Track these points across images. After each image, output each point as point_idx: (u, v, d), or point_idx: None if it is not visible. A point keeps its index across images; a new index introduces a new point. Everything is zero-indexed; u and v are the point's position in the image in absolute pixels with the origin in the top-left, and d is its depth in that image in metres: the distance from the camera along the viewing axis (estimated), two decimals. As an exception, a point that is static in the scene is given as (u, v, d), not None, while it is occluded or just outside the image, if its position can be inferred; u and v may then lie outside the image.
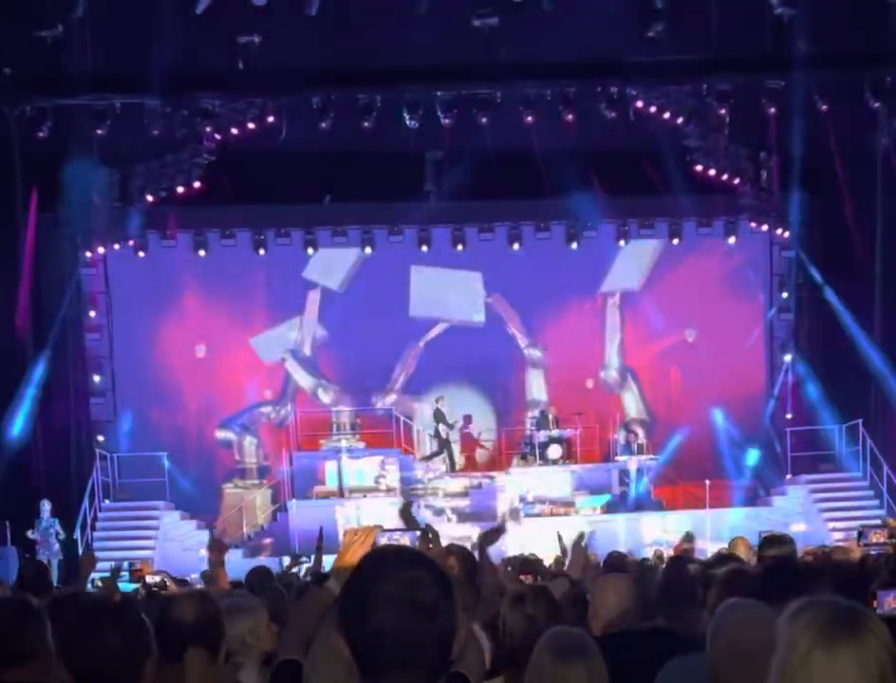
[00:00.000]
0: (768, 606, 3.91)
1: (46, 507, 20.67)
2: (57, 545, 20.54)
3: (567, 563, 9.06)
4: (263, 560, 19.83)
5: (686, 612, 5.46)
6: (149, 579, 8.27)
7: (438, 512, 23.56)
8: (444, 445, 24.69)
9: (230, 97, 20.98)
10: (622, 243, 25.49)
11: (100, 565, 17.96)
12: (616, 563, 8.83)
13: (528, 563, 9.31)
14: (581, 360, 25.61)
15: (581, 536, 7.77)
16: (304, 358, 26.11)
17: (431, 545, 4.08)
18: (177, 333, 25.23)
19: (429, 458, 24.76)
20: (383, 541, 4.04)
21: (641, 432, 24.50)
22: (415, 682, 2.41)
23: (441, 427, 24.52)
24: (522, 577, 8.17)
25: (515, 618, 5.05)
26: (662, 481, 23.70)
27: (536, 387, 26.06)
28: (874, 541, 6.31)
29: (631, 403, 26.18)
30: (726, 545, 11.02)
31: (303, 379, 26.19)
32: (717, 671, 3.96)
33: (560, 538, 11.98)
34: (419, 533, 4.00)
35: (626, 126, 21.34)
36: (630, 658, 4.78)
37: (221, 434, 25.36)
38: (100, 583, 10.01)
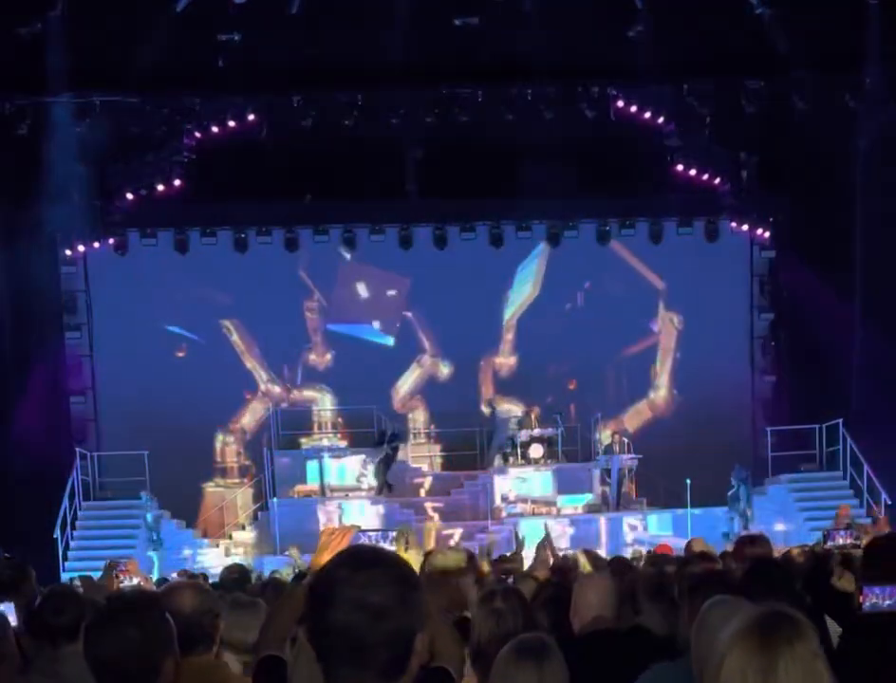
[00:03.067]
0: (751, 604, 3.94)
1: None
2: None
3: (532, 563, 9.05)
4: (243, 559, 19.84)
5: (665, 611, 5.48)
6: (126, 583, 8.21)
7: (420, 510, 23.57)
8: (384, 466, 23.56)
9: (210, 95, 20.96)
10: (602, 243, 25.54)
11: (83, 565, 18.03)
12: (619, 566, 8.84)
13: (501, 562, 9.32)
14: (562, 359, 25.60)
15: (546, 536, 7.77)
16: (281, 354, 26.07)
17: (408, 547, 4.09)
18: (157, 332, 25.16)
19: (378, 492, 23.48)
20: (363, 541, 4.05)
21: (623, 431, 24.49)
22: (365, 680, 2.48)
23: (381, 448, 23.44)
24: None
25: (484, 615, 5.07)
26: (643, 480, 23.70)
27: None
28: (840, 542, 6.32)
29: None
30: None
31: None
32: (700, 668, 3.99)
33: (519, 537, 11.89)
34: (394, 533, 4.01)
35: (607, 126, 21.40)
36: (611, 657, 4.80)
37: (202, 433, 25.27)
38: (78, 582, 9.93)
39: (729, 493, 22.36)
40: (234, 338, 25.72)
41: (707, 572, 5.58)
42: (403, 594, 2.50)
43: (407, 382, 26.20)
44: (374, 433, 24.08)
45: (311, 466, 23.79)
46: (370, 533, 4.08)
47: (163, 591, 4.89)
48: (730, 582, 5.21)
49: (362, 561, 2.54)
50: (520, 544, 8.41)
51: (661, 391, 26.49)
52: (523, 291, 26.11)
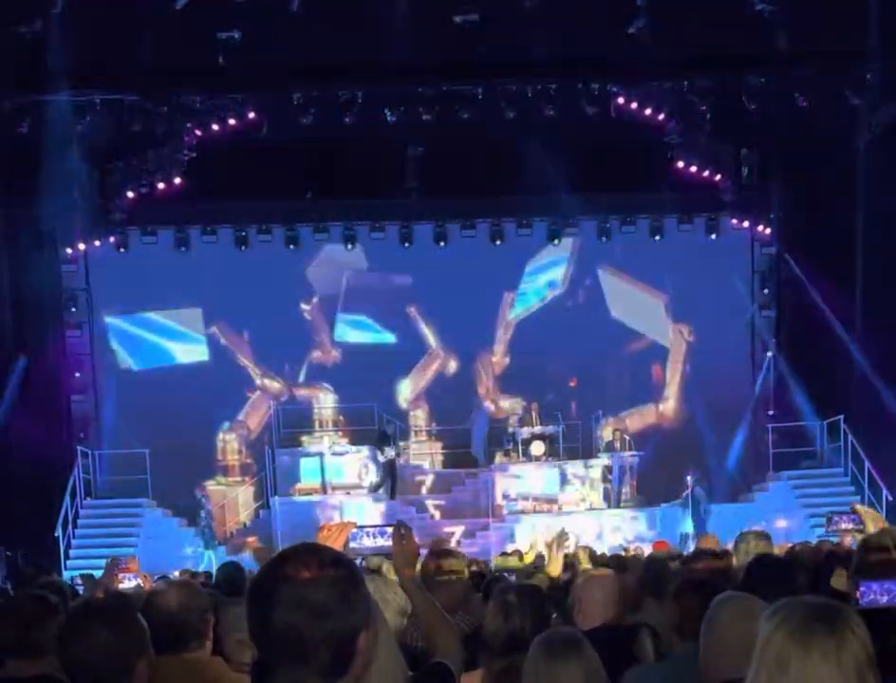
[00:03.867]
0: (760, 600, 3.94)
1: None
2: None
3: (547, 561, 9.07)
4: (245, 558, 19.82)
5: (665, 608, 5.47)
6: (125, 583, 8.18)
7: (421, 508, 23.58)
8: (389, 470, 23.50)
9: (210, 93, 20.95)
10: (604, 239, 25.55)
11: (83, 563, 18.06)
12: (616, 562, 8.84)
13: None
14: (563, 356, 25.60)
15: (562, 535, 7.78)
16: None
17: (404, 541, 4.07)
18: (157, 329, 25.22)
19: (375, 489, 23.55)
20: (361, 537, 4.04)
21: (625, 428, 24.49)
22: (306, 678, 2.46)
23: (386, 450, 23.36)
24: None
25: (495, 609, 5.06)
26: (645, 477, 23.69)
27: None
28: (843, 527, 6.29)
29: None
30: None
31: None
32: (707, 663, 3.99)
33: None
34: (390, 530, 4.00)
35: (608, 123, 21.38)
36: (616, 654, 4.79)
37: (203, 431, 25.27)
38: (79, 580, 9.95)
39: (684, 494, 22.29)
40: (223, 341, 25.70)
41: (692, 576, 5.57)
42: (346, 592, 2.48)
43: (417, 380, 26.20)
44: (374, 432, 24.04)
45: (312, 464, 23.79)
46: (367, 529, 4.06)
47: (151, 591, 4.89)
48: (718, 583, 5.21)
49: (303, 559, 2.50)
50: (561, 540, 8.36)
51: (669, 402, 26.47)
52: (539, 294, 26.18)
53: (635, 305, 26.01)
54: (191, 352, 25.65)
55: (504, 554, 14.31)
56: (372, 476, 23.78)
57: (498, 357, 26.34)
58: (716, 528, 21.06)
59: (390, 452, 23.32)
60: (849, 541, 8.04)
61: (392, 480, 23.42)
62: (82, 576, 9.97)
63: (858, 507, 6.64)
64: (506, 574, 8.36)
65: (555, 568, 8.07)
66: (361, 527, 4.01)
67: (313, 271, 25.63)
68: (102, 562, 15.31)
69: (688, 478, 22.23)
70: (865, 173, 20.85)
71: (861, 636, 2.75)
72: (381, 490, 23.45)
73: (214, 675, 4.46)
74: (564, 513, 22.53)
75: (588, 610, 5.41)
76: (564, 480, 23.43)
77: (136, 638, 3.75)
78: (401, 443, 24.39)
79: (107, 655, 3.65)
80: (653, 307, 26.11)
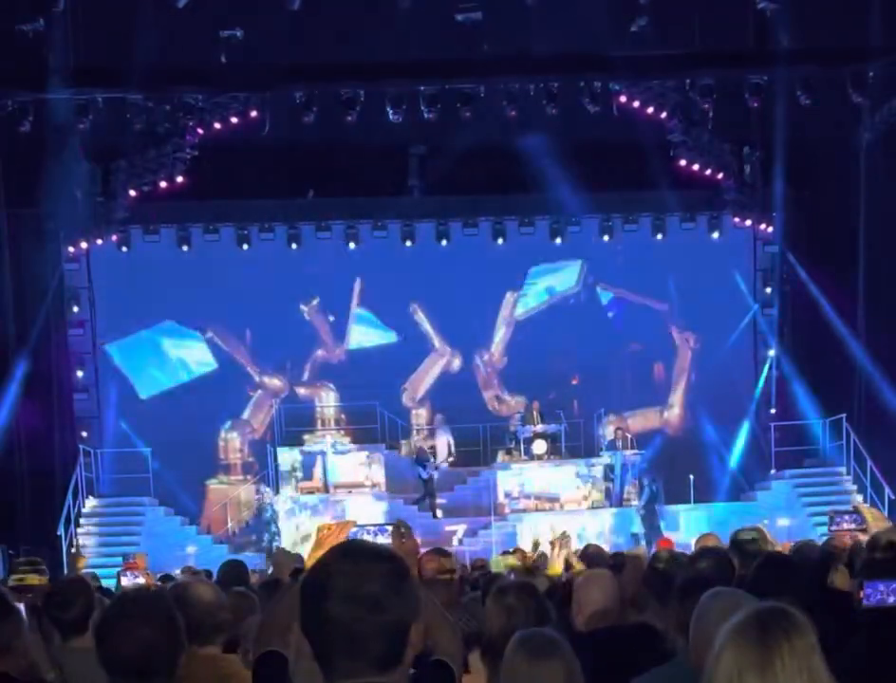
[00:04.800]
0: (749, 595, 3.95)
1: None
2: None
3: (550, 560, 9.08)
4: (248, 556, 19.83)
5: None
6: (125, 581, 8.21)
7: (423, 507, 23.57)
8: (428, 487, 23.47)
9: (212, 91, 20.94)
10: (605, 238, 25.55)
11: (87, 561, 18.05)
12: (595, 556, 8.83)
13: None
14: (565, 355, 25.59)
15: (563, 536, 7.81)
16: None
17: (404, 540, 4.08)
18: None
19: (417, 502, 23.49)
20: (361, 535, 4.04)
21: (627, 427, 24.47)
22: (361, 671, 2.51)
23: (427, 466, 23.34)
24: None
25: (496, 610, 5.06)
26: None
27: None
28: (845, 527, 6.30)
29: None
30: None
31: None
32: (697, 657, 3.99)
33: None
34: (390, 528, 4.01)
35: (610, 121, 21.37)
36: (617, 654, 4.79)
37: (205, 430, 25.29)
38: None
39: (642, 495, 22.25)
40: (218, 340, 25.71)
41: (697, 575, 5.56)
42: (398, 585, 2.53)
43: (422, 378, 26.19)
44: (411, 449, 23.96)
45: (315, 462, 23.78)
46: (368, 528, 4.07)
47: (182, 585, 4.91)
48: (721, 583, 5.20)
49: (356, 553, 2.57)
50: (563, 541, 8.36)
51: (674, 409, 26.45)
52: (540, 297, 26.20)
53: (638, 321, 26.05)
54: (195, 361, 25.67)
55: (505, 552, 14.30)
56: (375, 475, 23.77)
57: (500, 355, 26.33)
58: (717, 528, 21.10)
59: (431, 470, 23.36)
60: (847, 540, 8.04)
61: (431, 500, 23.40)
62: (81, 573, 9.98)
63: (860, 506, 6.65)
64: (505, 573, 8.36)
65: (556, 568, 8.08)
66: (361, 526, 4.02)
67: (315, 270, 25.60)
68: (104, 560, 15.36)
69: (644, 480, 22.26)
70: (867, 170, 20.84)
71: (811, 636, 2.78)
72: (420, 506, 23.37)
73: (232, 671, 4.49)
74: (566, 512, 22.52)
75: (586, 609, 5.41)
76: (566, 479, 23.44)
77: (176, 633, 3.75)
78: (437, 460, 24.24)
79: (150, 651, 3.64)
80: (656, 320, 26.07)
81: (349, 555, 2.56)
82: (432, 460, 23.65)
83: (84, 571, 12.32)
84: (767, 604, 2.89)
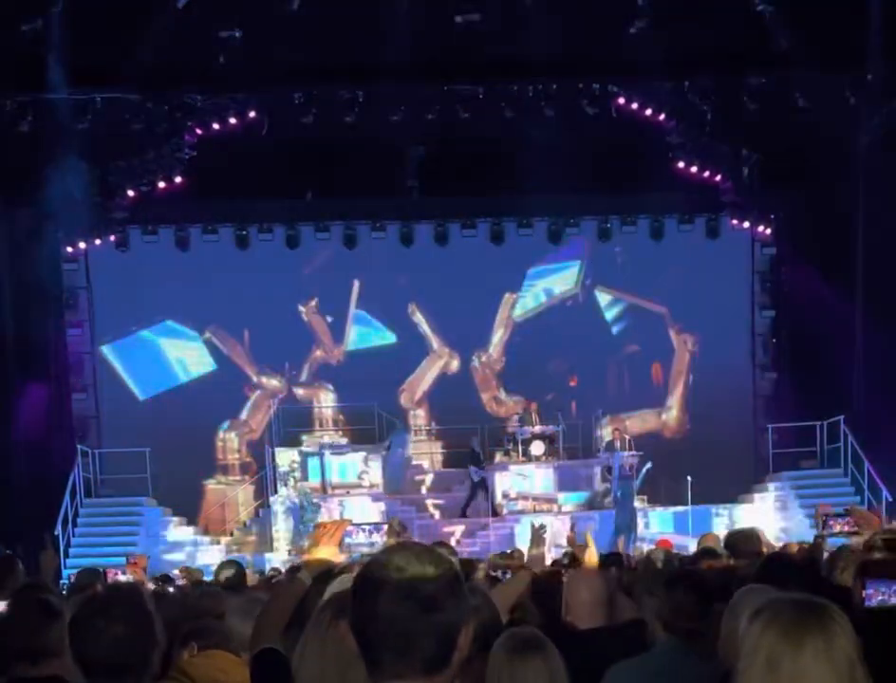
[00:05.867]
0: (781, 592, 3.98)
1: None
2: None
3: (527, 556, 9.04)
4: (246, 556, 19.85)
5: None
6: (122, 577, 8.21)
7: (421, 508, 23.59)
8: (476, 488, 23.46)
9: (211, 92, 20.96)
10: (604, 240, 25.58)
11: (84, 562, 18.02)
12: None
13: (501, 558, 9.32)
14: (563, 356, 25.62)
15: (541, 528, 7.70)
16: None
17: (399, 537, 4.09)
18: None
19: (464, 509, 23.44)
20: (357, 534, 4.05)
21: (625, 428, 24.47)
22: (409, 671, 2.47)
23: (473, 469, 23.35)
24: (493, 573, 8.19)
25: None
26: (644, 477, 23.68)
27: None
28: (838, 530, 6.31)
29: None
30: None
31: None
32: (726, 649, 4.02)
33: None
34: (385, 527, 4.02)
35: (608, 123, 21.38)
36: (607, 654, 4.79)
37: (203, 430, 25.29)
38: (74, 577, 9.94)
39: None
40: (217, 342, 25.71)
41: (680, 571, 5.58)
42: (453, 587, 2.51)
43: (420, 379, 26.19)
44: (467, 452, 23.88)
45: (313, 463, 23.79)
46: (363, 527, 4.08)
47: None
48: (715, 581, 5.21)
49: (413, 551, 2.55)
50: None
51: (672, 412, 26.46)
52: (538, 299, 26.21)
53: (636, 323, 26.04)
54: (193, 362, 25.67)
55: (502, 554, 14.28)
56: (373, 476, 23.76)
57: (498, 356, 26.34)
58: (715, 530, 21.12)
59: (482, 472, 23.33)
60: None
61: (486, 496, 23.27)
62: (80, 571, 9.96)
63: (854, 508, 6.67)
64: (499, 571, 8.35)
65: (535, 564, 8.02)
66: (357, 525, 4.03)
67: (314, 271, 25.61)
68: (102, 561, 15.31)
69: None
70: (865, 173, 20.85)
71: (848, 632, 2.77)
72: (468, 509, 23.38)
73: (230, 664, 4.50)
74: (564, 513, 22.54)
75: (575, 609, 5.40)
76: (564, 479, 23.46)
77: (150, 631, 3.75)
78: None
79: (125, 649, 3.65)
80: (654, 322, 26.07)
81: (406, 553, 2.54)
82: (482, 462, 23.57)
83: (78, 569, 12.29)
84: (802, 596, 2.89)
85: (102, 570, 9.26)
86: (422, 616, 2.45)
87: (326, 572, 4.01)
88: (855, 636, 2.79)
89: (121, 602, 3.76)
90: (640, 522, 22.37)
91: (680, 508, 22.47)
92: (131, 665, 3.66)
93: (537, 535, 7.01)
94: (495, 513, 23.04)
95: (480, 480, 23.42)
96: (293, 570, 4.79)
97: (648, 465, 22.29)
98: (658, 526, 22.51)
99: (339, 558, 3.80)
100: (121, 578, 8.81)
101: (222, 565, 8.63)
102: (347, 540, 3.80)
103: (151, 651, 3.73)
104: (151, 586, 10.13)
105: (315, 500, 22.62)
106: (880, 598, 4.60)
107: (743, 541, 7.12)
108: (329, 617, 3.54)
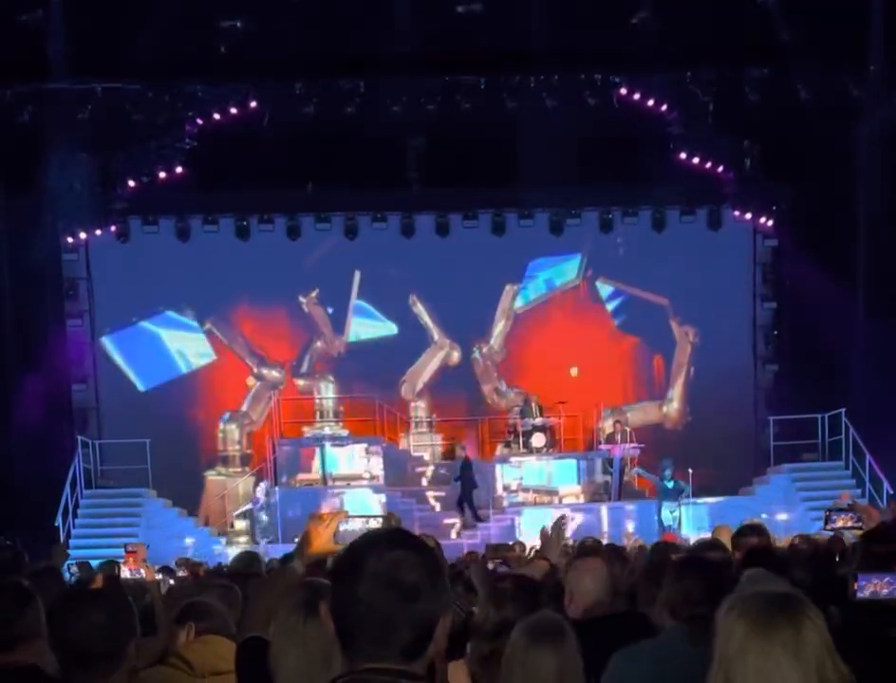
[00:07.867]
0: (784, 579, 3.98)
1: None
2: None
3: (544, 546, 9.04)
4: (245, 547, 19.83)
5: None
6: (126, 572, 8.17)
7: (421, 500, 23.58)
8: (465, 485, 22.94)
9: (212, 82, 20.93)
10: (605, 231, 25.54)
11: (81, 553, 18.04)
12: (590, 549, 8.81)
13: (498, 550, 9.31)
14: (564, 348, 25.59)
15: (561, 519, 7.70)
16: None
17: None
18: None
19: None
20: (357, 522, 4.03)
21: (625, 420, 24.45)
22: (385, 658, 2.47)
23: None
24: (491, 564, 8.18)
25: (486, 599, 5.05)
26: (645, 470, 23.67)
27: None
28: (841, 524, 6.29)
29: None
30: (709, 534, 11.07)
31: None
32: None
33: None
34: (380, 519, 4.00)
35: (610, 114, 21.35)
36: (609, 643, 4.78)
37: (204, 421, 25.29)
38: (75, 569, 9.95)
39: (670, 486, 21.82)
40: (217, 333, 25.69)
41: (690, 558, 5.56)
42: (434, 577, 2.51)
43: (422, 371, 26.16)
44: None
45: (314, 455, 23.77)
46: (359, 518, 4.05)
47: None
48: (724, 571, 5.19)
49: (395, 539, 2.55)
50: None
51: (673, 403, 26.43)
52: (539, 290, 26.19)
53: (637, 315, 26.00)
54: (194, 353, 25.65)
55: (500, 546, 14.28)
56: (373, 467, 23.73)
57: (499, 348, 26.32)
58: (715, 522, 21.09)
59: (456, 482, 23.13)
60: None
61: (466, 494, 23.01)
62: (77, 564, 9.96)
63: (854, 501, 6.66)
64: (501, 563, 8.34)
65: (553, 555, 8.02)
66: (352, 517, 4.00)
67: (315, 262, 25.57)
68: (102, 551, 15.34)
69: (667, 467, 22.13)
70: (867, 164, 20.82)
71: (819, 625, 2.81)
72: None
73: (231, 651, 4.49)
74: (564, 505, 22.52)
75: (578, 599, 5.39)
76: (564, 472, 23.45)
77: (128, 621, 3.79)
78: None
79: (103, 638, 3.68)
80: (655, 314, 26.01)
81: (388, 540, 2.54)
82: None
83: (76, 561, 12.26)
84: (777, 590, 2.90)
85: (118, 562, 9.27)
86: (402, 605, 2.45)
87: (320, 562, 4.00)
88: (826, 629, 2.82)
89: (98, 591, 3.79)
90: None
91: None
92: (102, 652, 3.69)
93: (558, 525, 7.00)
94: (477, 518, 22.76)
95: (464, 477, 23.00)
96: (286, 560, 4.78)
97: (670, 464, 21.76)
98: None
99: (334, 548, 3.78)
100: (125, 569, 8.78)
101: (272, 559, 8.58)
102: (343, 527, 3.78)
103: (127, 641, 3.75)
104: (158, 576, 10.09)
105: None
106: (871, 590, 4.58)
107: (749, 533, 7.11)
108: (304, 601, 3.56)
